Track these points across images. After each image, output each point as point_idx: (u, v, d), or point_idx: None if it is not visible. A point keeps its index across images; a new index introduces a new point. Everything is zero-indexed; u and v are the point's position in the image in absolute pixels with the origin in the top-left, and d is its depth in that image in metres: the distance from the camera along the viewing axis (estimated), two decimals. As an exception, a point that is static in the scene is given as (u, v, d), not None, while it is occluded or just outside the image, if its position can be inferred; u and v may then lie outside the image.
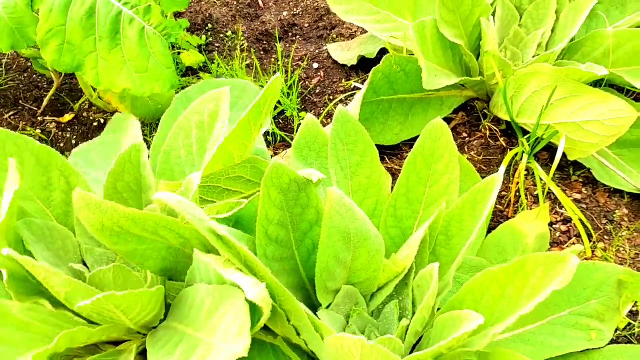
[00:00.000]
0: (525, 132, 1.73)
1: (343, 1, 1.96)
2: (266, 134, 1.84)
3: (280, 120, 1.99)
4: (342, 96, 2.02)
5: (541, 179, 1.65)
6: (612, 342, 1.33)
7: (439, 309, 1.11)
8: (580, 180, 1.76)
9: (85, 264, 1.22)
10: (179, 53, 2.12)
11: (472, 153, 1.83)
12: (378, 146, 1.36)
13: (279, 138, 1.92)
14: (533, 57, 1.79)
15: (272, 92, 1.21)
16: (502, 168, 1.66)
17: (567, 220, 1.66)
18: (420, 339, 1.12)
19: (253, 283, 0.89)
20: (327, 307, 1.10)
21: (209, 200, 1.39)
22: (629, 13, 1.85)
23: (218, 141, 1.26)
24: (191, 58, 2.08)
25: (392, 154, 1.84)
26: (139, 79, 1.58)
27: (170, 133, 1.36)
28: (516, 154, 1.71)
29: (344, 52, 2.13)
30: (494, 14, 1.85)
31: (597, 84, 1.78)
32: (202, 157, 1.30)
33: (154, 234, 1.01)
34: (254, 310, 0.97)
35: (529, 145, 1.65)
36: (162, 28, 1.56)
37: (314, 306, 1.10)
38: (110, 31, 1.55)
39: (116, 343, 1.23)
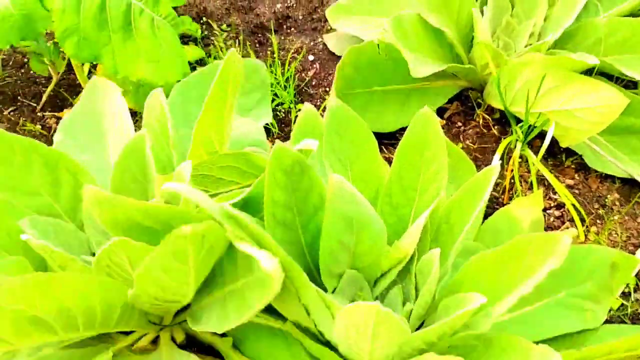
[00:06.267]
0: (518, 121, 1.77)
1: (341, 18, 2.04)
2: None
3: (277, 113, 2.02)
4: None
5: (534, 164, 1.69)
6: (606, 322, 1.38)
7: (438, 293, 1.15)
8: (573, 166, 1.80)
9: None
10: (176, 47, 2.14)
11: (467, 142, 1.87)
12: (375, 135, 1.39)
13: (276, 130, 1.95)
14: (525, 46, 1.82)
15: (230, 67, 1.21)
16: (497, 156, 1.71)
17: (560, 206, 1.70)
18: (422, 324, 1.16)
19: (268, 255, 0.92)
20: (332, 292, 1.14)
21: (203, 189, 1.40)
22: (620, 2, 1.89)
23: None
24: (190, 53, 2.10)
25: (389, 143, 1.88)
26: (152, 68, 1.65)
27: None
28: (510, 142, 1.75)
29: (340, 42, 2.16)
30: (486, 4, 1.88)
31: (588, 72, 1.81)
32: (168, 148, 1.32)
33: (166, 224, 1.04)
34: (264, 286, 1.00)
35: (522, 133, 1.69)
36: (171, 18, 1.61)
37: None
38: (122, 23, 1.61)
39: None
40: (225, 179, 1.39)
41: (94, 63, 1.89)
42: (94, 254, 1.25)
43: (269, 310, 1.12)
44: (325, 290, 1.14)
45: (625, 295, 1.52)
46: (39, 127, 1.95)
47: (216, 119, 1.24)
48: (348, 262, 1.13)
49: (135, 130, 1.37)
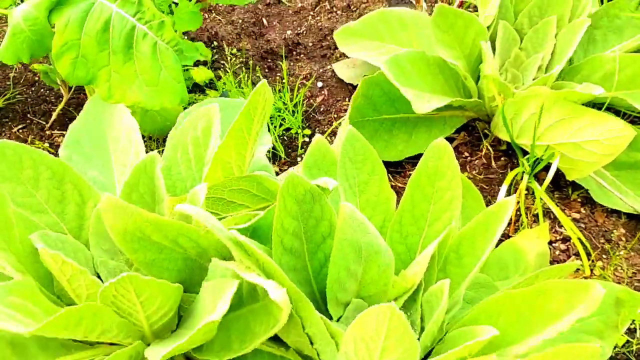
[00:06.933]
0: (525, 153, 1.77)
1: (350, 41, 2.05)
2: (270, 150, 1.87)
3: (285, 138, 2.03)
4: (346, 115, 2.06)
5: (541, 199, 1.69)
6: (611, 358, 1.37)
7: (447, 324, 1.14)
8: (579, 200, 1.80)
9: (99, 277, 1.24)
10: (187, 69, 2.16)
11: (474, 172, 1.87)
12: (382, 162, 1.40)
13: (283, 155, 1.96)
14: (533, 79, 1.84)
15: (260, 97, 1.23)
16: (504, 188, 1.71)
17: (566, 239, 1.70)
18: (428, 355, 1.14)
19: (276, 285, 0.92)
20: (337, 320, 1.13)
21: (214, 212, 1.41)
22: (626, 38, 1.90)
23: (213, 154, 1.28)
24: (200, 74, 2.12)
25: (396, 171, 1.88)
26: (150, 92, 1.62)
27: (169, 149, 1.39)
28: (516, 174, 1.75)
29: (349, 70, 2.18)
30: (495, 37, 1.90)
31: (598, 108, 1.83)
32: (200, 172, 1.33)
33: (174, 242, 1.04)
34: (270, 314, 1.00)
35: (529, 165, 1.70)
36: (175, 43, 1.60)
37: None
38: (124, 45, 1.60)
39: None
40: (236, 202, 1.40)
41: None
42: (98, 275, 1.25)
43: (271, 337, 1.11)
44: (330, 318, 1.13)
45: (630, 331, 1.50)
46: (47, 144, 1.96)
47: (239, 145, 1.26)
48: (355, 290, 1.12)
49: (147, 151, 1.38)
